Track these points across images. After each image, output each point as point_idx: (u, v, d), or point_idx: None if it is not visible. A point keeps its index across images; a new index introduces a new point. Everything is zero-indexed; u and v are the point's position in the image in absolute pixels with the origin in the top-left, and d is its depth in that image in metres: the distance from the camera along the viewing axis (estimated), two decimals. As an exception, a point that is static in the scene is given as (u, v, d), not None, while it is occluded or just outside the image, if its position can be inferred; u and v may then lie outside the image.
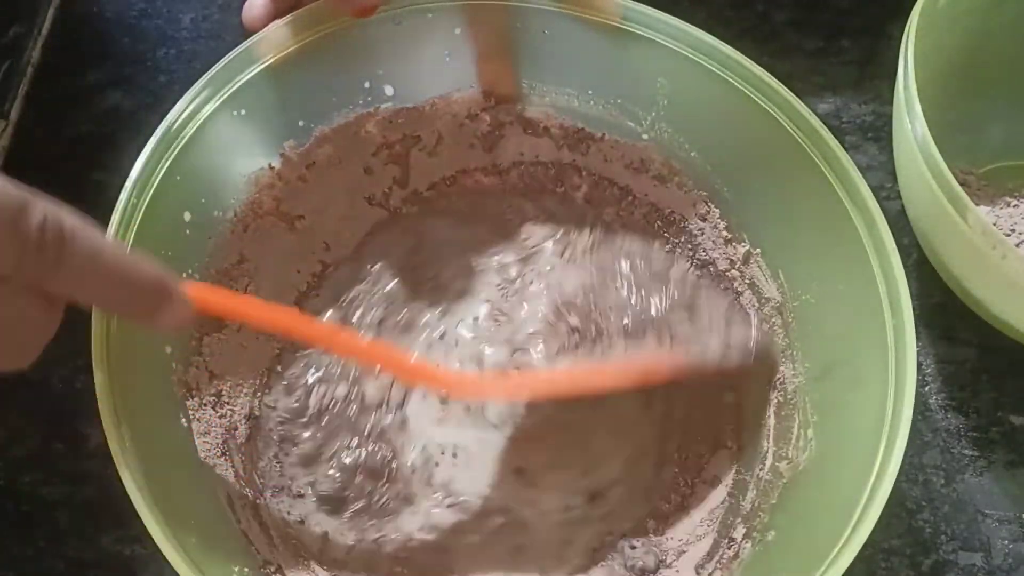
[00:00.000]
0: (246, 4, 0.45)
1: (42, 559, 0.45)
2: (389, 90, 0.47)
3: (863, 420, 0.38)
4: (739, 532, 0.43)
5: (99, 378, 0.36)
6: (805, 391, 0.43)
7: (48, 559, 0.45)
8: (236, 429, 0.44)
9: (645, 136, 0.47)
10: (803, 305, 0.44)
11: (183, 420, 0.41)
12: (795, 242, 0.44)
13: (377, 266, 0.48)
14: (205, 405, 0.43)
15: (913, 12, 0.45)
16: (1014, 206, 0.51)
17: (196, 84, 0.42)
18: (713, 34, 0.43)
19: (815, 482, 0.40)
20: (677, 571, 0.43)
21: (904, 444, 0.36)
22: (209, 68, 0.43)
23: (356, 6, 0.43)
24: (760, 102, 0.43)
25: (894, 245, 0.39)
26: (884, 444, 0.36)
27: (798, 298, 0.44)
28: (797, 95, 0.42)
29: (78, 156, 0.55)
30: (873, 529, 0.34)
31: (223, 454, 0.43)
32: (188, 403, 0.42)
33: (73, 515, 0.46)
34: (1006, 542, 0.46)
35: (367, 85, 0.46)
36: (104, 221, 0.39)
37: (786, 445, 0.43)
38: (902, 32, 0.45)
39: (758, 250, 0.46)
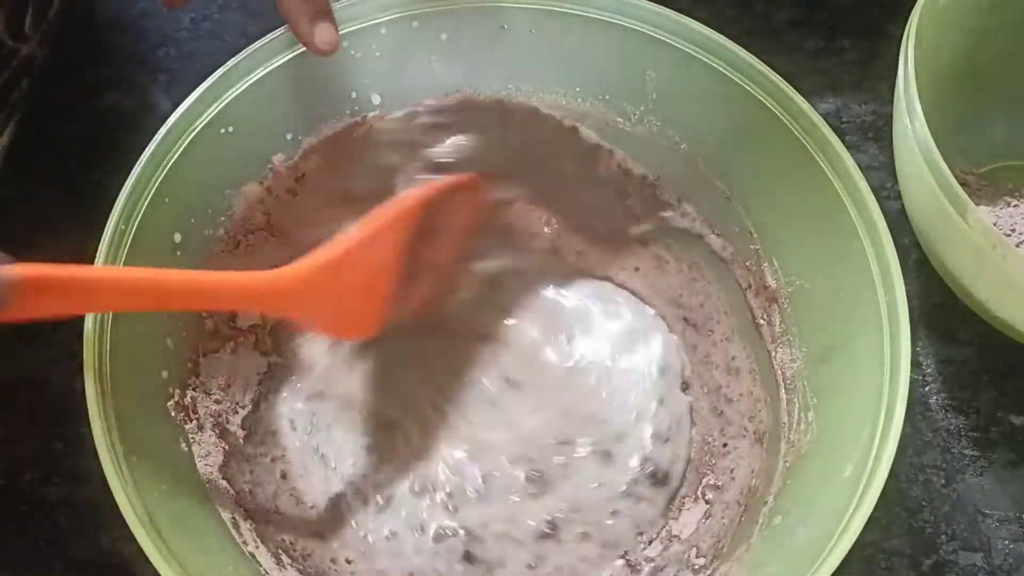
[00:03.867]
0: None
1: (42, 559, 0.45)
2: (376, 98, 0.47)
3: (861, 400, 0.38)
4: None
5: (93, 409, 0.36)
6: (804, 375, 0.43)
7: (48, 559, 0.45)
8: (237, 449, 0.44)
9: (632, 130, 0.47)
10: (798, 291, 0.44)
11: (183, 444, 0.41)
12: (788, 229, 0.44)
13: None
14: (204, 427, 0.43)
15: (913, 12, 0.45)
16: (1014, 206, 0.51)
17: (181, 106, 0.42)
18: (712, 34, 0.43)
19: (816, 465, 0.40)
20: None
21: (901, 421, 0.36)
22: (209, 68, 0.43)
23: (314, 50, 0.42)
24: (746, 87, 0.43)
25: (885, 225, 0.39)
26: (882, 422, 0.36)
27: (793, 284, 0.44)
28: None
29: (78, 156, 0.55)
30: (873, 529, 0.34)
31: (225, 476, 0.43)
32: (187, 427, 0.42)
33: (73, 515, 0.46)
34: (1006, 542, 0.46)
35: (354, 95, 0.46)
36: (103, 221, 0.39)
37: (788, 430, 0.43)
38: (902, 32, 0.45)
39: (753, 237, 0.46)
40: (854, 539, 0.34)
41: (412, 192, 0.45)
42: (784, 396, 0.44)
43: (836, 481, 0.37)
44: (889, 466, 0.35)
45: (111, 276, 0.37)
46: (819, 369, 0.42)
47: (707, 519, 0.44)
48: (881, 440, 0.36)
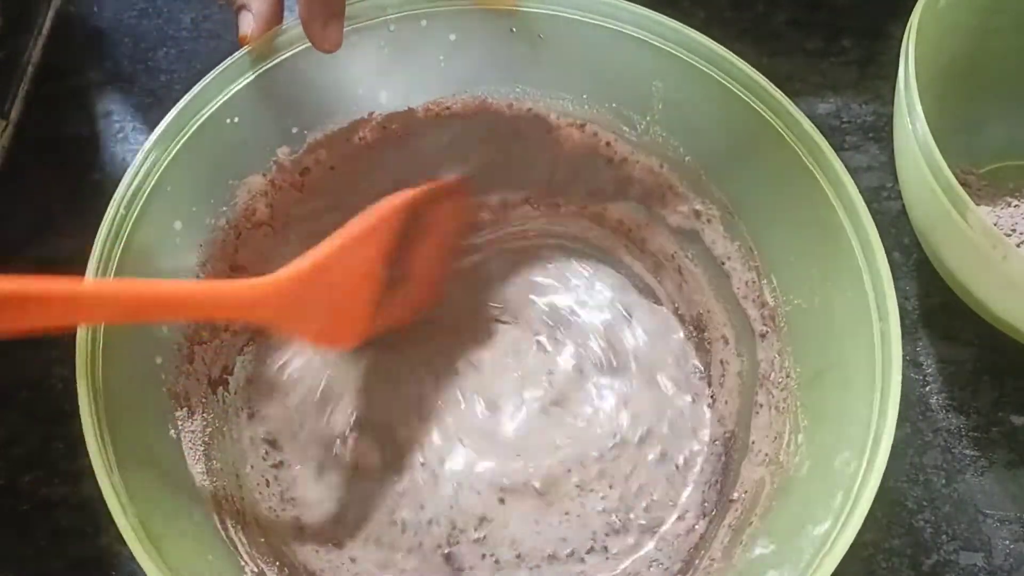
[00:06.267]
0: (240, 23, 0.44)
1: (42, 559, 0.45)
2: (383, 96, 0.47)
3: (850, 425, 0.38)
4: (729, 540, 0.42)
5: (83, 391, 0.36)
6: (796, 396, 0.43)
7: (48, 559, 0.45)
8: (224, 436, 0.44)
9: (638, 140, 0.47)
10: (795, 310, 0.43)
11: (171, 431, 0.41)
12: (787, 247, 0.44)
13: None
14: (194, 415, 0.42)
15: (913, 12, 0.45)
16: (1015, 206, 0.51)
17: (188, 93, 0.42)
18: (713, 35, 0.43)
19: (803, 487, 0.40)
20: None
21: (888, 447, 0.36)
22: (209, 68, 0.43)
23: (319, 48, 0.42)
24: (753, 104, 0.42)
25: (882, 249, 0.39)
26: (870, 447, 0.36)
27: (791, 303, 0.44)
28: (797, 95, 0.42)
29: (78, 156, 0.55)
30: (873, 529, 0.34)
31: (208, 465, 0.42)
32: (177, 414, 0.42)
33: (73, 515, 0.46)
34: (1007, 542, 0.46)
35: (361, 91, 0.46)
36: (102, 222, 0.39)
37: (778, 451, 0.43)
38: (902, 32, 0.45)
39: (753, 253, 0.46)
40: (837, 562, 0.34)
41: (394, 197, 0.44)
42: (777, 417, 0.44)
43: (821, 505, 0.37)
44: (875, 491, 0.35)
45: (90, 291, 0.36)
46: (811, 391, 0.42)
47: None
48: (868, 465, 0.36)
